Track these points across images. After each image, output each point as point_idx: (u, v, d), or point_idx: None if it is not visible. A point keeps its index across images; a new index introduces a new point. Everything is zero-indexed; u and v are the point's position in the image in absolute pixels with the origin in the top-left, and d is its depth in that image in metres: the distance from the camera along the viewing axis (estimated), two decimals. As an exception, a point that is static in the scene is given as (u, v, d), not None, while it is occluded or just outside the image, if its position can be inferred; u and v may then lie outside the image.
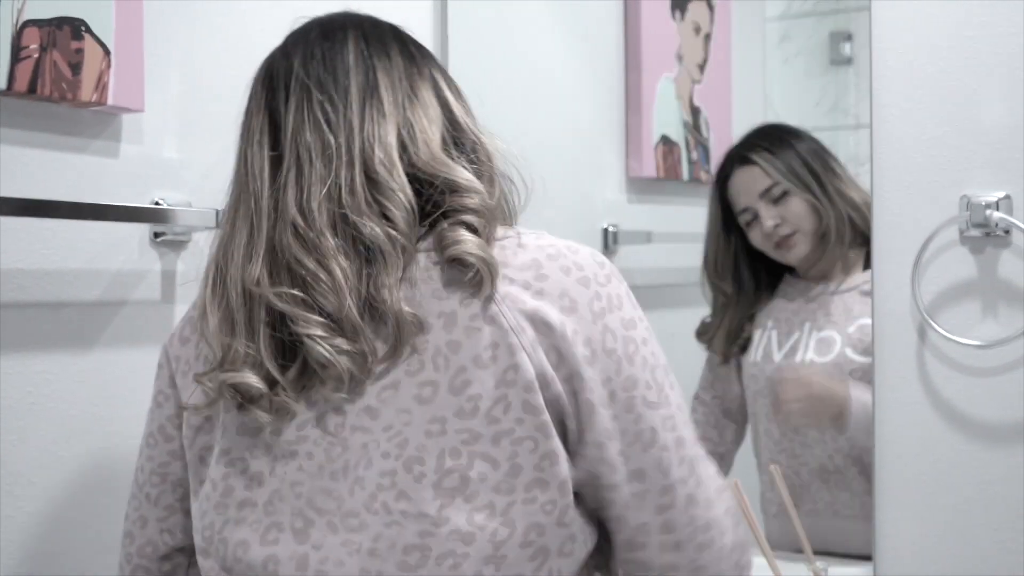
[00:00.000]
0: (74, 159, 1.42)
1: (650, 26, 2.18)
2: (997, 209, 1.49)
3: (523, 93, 2.10)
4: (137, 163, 1.49)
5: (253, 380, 1.05)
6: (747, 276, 1.94)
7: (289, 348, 1.05)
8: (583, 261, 1.08)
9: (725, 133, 2.24)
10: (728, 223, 1.95)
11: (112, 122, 1.45)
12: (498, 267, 1.04)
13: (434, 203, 1.08)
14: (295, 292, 1.04)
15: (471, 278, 1.04)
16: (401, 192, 1.06)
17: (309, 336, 1.02)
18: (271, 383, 1.05)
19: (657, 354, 1.10)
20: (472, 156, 1.12)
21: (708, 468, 1.13)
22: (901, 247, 1.55)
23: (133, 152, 1.48)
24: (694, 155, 2.22)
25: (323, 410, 1.06)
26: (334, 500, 1.04)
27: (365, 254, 1.05)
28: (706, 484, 1.11)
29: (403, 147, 1.09)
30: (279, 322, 1.05)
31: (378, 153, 1.07)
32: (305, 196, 1.06)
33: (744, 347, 1.94)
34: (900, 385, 1.56)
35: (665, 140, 2.18)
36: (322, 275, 1.03)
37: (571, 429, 1.06)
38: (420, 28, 1.85)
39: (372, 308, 1.04)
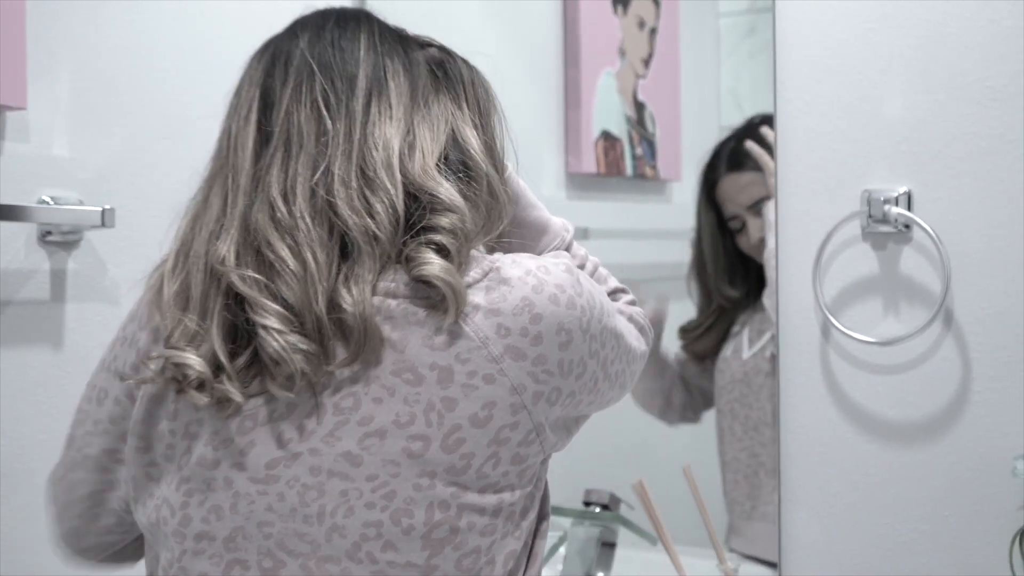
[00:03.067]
0: (-47, 157, 1.41)
1: (590, 20, 2.15)
2: (896, 204, 1.46)
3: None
4: (23, 161, 1.47)
5: (195, 362, 1.00)
6: (741, 280, 1.91)
7: (242, 334, 1.01)
8: (560, 280, 1.05)
9: (674, 128, 2.21)
10: (722, 225, 1.90)
11: (-6, 119, 1.45)
12: (465, 295, 1.00)
13: (415, 219, 1.03)
14: (258, 277, 1.00)
15: (438, 302, 1.00)
16: (394, 198, 1.02)
17: (265, 327, 0.98)
18: (216, 368, 1.00)
19: (611, 308, 1.11)
20: (465, 178, 1.08)
21: (628, 330, 1.16)
22: (804, 244, 1.53)
23: (19, 150, 1.47)
24: (639, 150, 2.20)
25: (283, 431, 1.01)
26: (307, 544, 1.01)
27: (341, 249, 1.01)
28: (636, 348, 1.17)
29: (402, 154, 1.05)
30: (236, 305, 1.01)
31: (380, 153, 1.04)
32: (290, 178, 1.02)
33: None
34: (804, 383, 1.54)
35: (606, 136, 2.16)
36: (291, 263, 0.99)
37: (555, 442, 1.10)
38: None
39: (337, 307, 0.99)
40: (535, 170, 2.17)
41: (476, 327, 1.01)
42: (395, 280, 1.01)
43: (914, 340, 1.46)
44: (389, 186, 1.02)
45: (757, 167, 1.80)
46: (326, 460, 1.00)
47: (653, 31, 2.20)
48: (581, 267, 1.23)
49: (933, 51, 1.45)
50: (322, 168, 1.02)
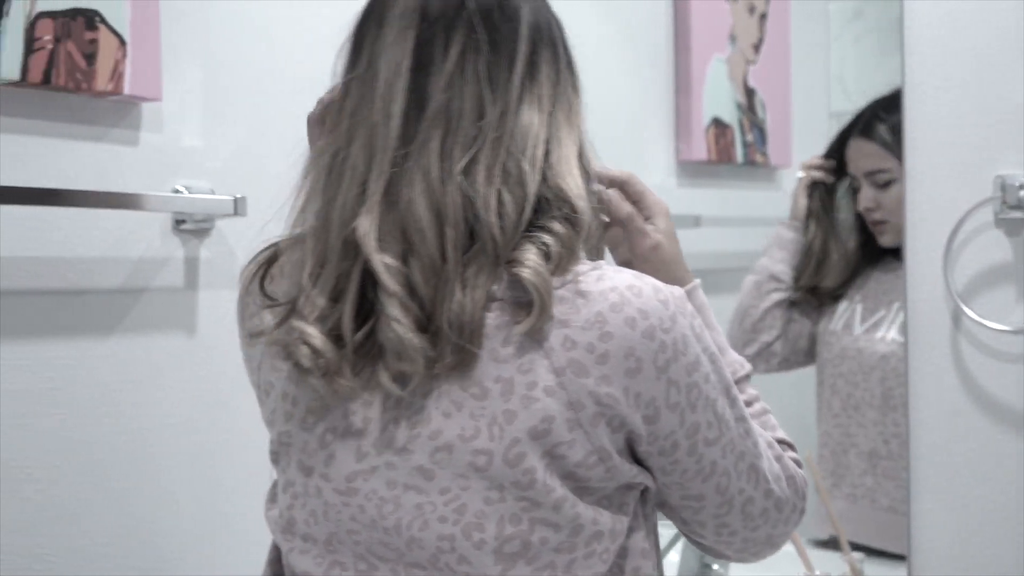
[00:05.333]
0: (92, 148, 1.44)
1: (700, 6, 2.14)
2: (1032, 190, 1.43)
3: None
4: (158, 151, 1.51)
5: (317, 340, 0.97)
6: (855, 236, 1.86)
7: (365, 314, 0.98)
8: (647, 306, 0.97)
9: (784, 114, 2.19)
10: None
11: (130, 111, 1.47)
12: (551, 302, 0.95)
13: (536, 219, 0.98)
14: (400, 267, 0.95)
15: (518, 309, 0.96)
16: (526, 200, 0.97)
17: (393, 317, 0.94)
18: (338, 344, 0.97)
19: (716, 382, 1.03)
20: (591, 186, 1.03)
21: (768, 462, 1.08)
22: (935, 230, 1.50)
23: (153, 141, 1.50)
24: (749, 137, 2.18)
25: (360, 444, 1.00)
26: (392, 551, 1.01)
27: (467, 249, 0.96)
28: (764, 476, 1.08)
29: (548, 149, 1.00)
30: (368, 284, 0.97)
31: (530, 148, 0.98)
32: (445, 163, 0.97)
33: (827, 314, 1.89)
34: (934, 372, 1.51)
35: (717, 122, 2.14)
36: (432, 257, 0.95)
37: (633, 477, 1.03)
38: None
39: (453, 310, 0.95)
40: (645, 157, 2.17)
41: (543, 336, 0.96)
42: (498, 284, 0.97)
43: (1050, 328, 1.43)
44: (530, 186, 0.97)
45: (885, 142, 1.78)
46: (401, 474, 0.99)
47: (763, 16, 2.18)
48: (748, 404, 1.14)
49: (1070, 33, 1.42)
50: (471, 155, 0.97)
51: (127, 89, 1.42)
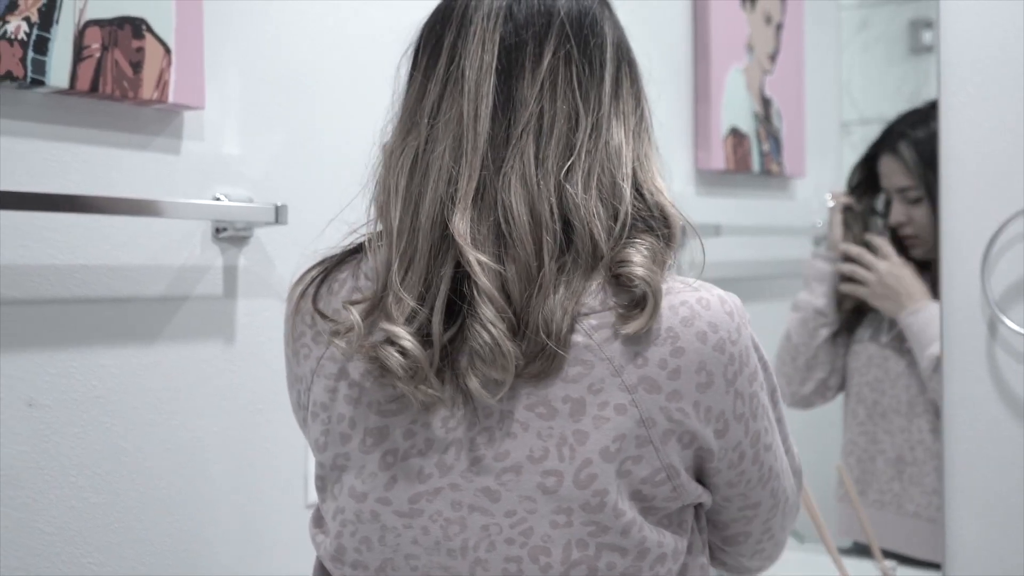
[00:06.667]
0: (136, 156, 1.44)
1: (719, 17, 2.15)
2: (1070, 200, 1.45)
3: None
4: (199, 160, 1.50)
5: (408, 343, 0.94)
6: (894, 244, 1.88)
7: (451, 317, 0.96)
8: (716, 319, 0.97)
9: (798, 124, 2.21)
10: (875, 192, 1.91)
11: (174, 119, 1.47)
12: (661, 300, 0.94)
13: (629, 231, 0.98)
14: (497, 268, 0.94)
15: (634, 301, 0.95)
16: (620, 215, 0.97)
17: (488, 319, 0.93)
18: (425, 346, 0.95)
19: (767, 388, 1.04)
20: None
21: (789, 457, 1.11)
22: (971, 239, 1.51)
23: (195, 149, 1.50)
24: (765, 147, 2.19)
25: (423, 466, 0.98)
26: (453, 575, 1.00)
27: (558, 257, 0.95)
28: (789, 472, 1.10)
29: (636, 163, 1.00)
30: (457, 286, 0.95)
31: (621, 164, 0.98)
32: (541, 169, 0.96)
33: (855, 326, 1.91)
34: (969, 381, 1.53)
35: (735, 132, 2.16)
36: (527, 261, 0.94)
37: (697, 497, 1.04)
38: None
39: (543, 321, 0.94)
40: (665, 166, 2.18)
41: (613, 353, 0.95)
42: (590, 295, 0.96)
43: (1088, 337, 1.44)
44: (625, 200, 0.97)
45: (906, 160, 1.80)
46: (466, 495, 0.98)
47: (779, 26, 2.20)
48: None
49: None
50: (569, 164, 0.96)
51: (172, 97, 1.42)
